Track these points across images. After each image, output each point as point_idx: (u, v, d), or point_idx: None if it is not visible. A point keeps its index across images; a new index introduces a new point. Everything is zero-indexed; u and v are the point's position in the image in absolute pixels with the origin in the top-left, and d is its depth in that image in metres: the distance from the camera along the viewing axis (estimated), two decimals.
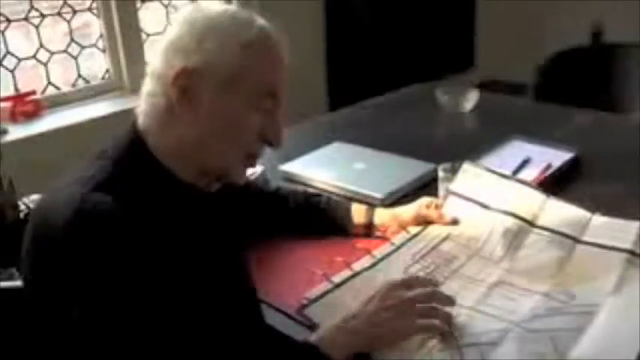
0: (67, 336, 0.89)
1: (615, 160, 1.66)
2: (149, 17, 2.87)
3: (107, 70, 2.81)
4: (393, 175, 1.59)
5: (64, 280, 0.87)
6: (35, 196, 1.49)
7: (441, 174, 1.44)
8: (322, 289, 1.14)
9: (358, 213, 1.37)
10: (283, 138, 1.02)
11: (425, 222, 1.35)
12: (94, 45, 2.78)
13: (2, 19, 2.50)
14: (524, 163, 1.61)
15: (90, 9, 2.74)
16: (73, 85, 2.77)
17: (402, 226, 1.34)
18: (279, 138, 1.02)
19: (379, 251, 1.27)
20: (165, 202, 0.96)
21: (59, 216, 0.87)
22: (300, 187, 1.56)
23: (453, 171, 1.40)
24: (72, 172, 0.95)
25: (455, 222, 1.33)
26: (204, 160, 0.99)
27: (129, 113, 1.02)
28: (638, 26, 3.27)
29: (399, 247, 1.28)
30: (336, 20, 3.43)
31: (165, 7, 2.95)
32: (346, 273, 1.19)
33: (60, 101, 2.68)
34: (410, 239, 1.30)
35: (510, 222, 1.26)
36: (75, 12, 2.71)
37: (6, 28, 2.53)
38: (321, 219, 1.37)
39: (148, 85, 0.99)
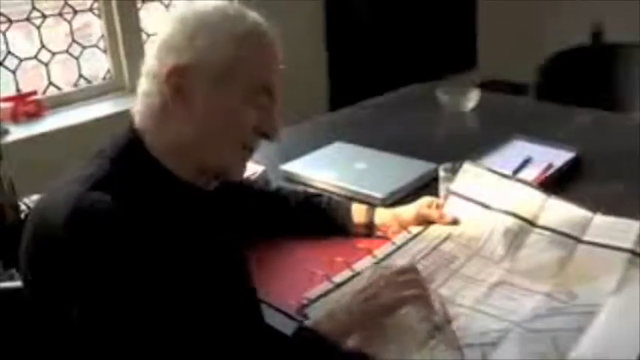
0: (67, 335, 0.89)
1: (616, 159, 1.66)
2: (150, 17, 2.87)
3: (108, 71, 2.81)
4: (393, 175, 1.59)
5: (63, 279, 0.87)
6: (36, 197, 1.50)
7: (441, 174, 1.44)
8: (323, 289, 1.14)
9: (359, 213, 1.37)
10: (280, 131, 1.02)
11: (426, 222, 1.35)
12: (95, 45, 2.78)
13: (4, 19, 2.51)
14: (525, 162, 1.61)
15: (91, 9, 2.74)
16: (75, 85, 2.77)
17: (403, 226, 1.34)
18: (276, 131, 1.02)
19: (380, 251, 1.27)
20: (164, 201, 0.96)
21: (58, 215, 0.87)
22: (301, 187, 1.56)
23: (454, 171, 1.40)
24: (71, 171, 0.95)
25: (455, 222, 1.33)
26: (201, 157, 0.98)
27: (130, 113, 1.02)
28: (638, 26, 3.27)
29: (399, 247, 1.28)
30: (336, 20, 3.42)
31: (166, 7, 2.96)
32: (347, 273, 1.19)
33: (61, 101, 2.68)
34: (411, 239, 1.30)
35: (511, 222, 1.26)
36: (76, 12, 2.71)
37: (7, 28, 2.53)
38: (321, 219, 1.37)
39: (143, 85, 0.99)
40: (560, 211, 1.27)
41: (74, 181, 0.91)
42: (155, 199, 0.94)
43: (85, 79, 2.78)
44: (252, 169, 1.56)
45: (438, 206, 1.36)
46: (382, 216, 1.36)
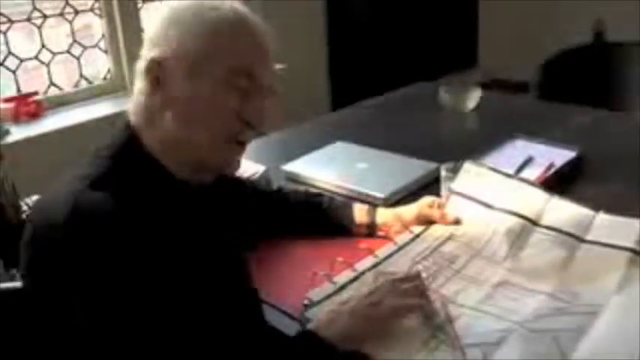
0: (68, 335, 0.89)
1: (618, 159, 1.66)
2: (151, 17, 2.87)
3: (109, 71, 2.81)
4: (395, 175, 1.59)
5: (63, 279, 0.87)
6: (37, 197, 1.49)
7: (443, 173, 1.44)
8: (324, 290, 1.14)
9: (360, 213, 1.36)
10: (264, 120, 1.00)
11: (427, 222, 1.35)
12: (96, 45, 2.78)
13: (4, 19, 2.51)
14: (527, 162, 1.61)
15: (92, 10, 2.75)
16: (76, 85, 2.77)
17: (405, 226, 1.34)
18: (259, 119, 0.99)
19: (381, 252, 1.26)
20: (161, 199, 0.96)
21: (57, 215, 0.87)
22: (302, 187, 1.56)
23: (455, 170, 1.40)
24: (69, 170, 0.96)
25: (457, 222, 1.32)
26: (188, 150, 0.97)
27: (127, 112, 1.02)
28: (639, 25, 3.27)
29: (401, 248, 1.27)
30: (337, 20, 3.43)
31: None
32: (348, 273, 1.19)
33: (62, 102, 2.69)
34: (413, 239, 1.30)
35: (513, 221, 1.26)
36: (77, 13, 2.71)
37: (8, 28, 2.53)
38: (322, 219, 1.37)
39: (136, 84, 1.00)
40: (562, 211, 1.26)
41: (72, 180, 0.92)
42: (152, 197, 0.94)
43: (86, 79, 2.78)
44: (254, 168, 1.56)
45: (439, 206, 1.36)
46: (384, 216, 1.36)
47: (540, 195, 1.30)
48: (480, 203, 1.33)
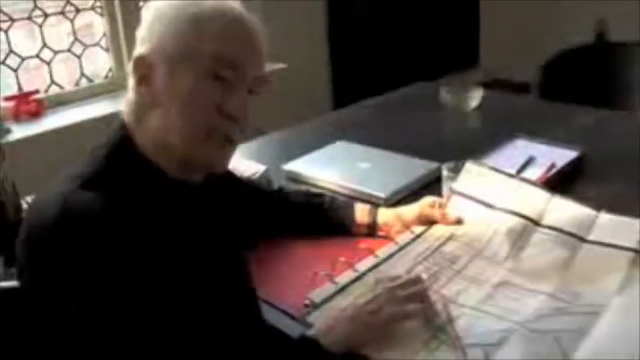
0: (64, 335, 0.89)
1: (619, 159, 1.66)
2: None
3: (110, 69, 2.81)
4: (396, 175, 1.59)
5: (55, 279, 0.86)
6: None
7: (444, 173, 1.43)
8: (326, 291, 1.14)
9: (361, 212, 1.36)
10: (245, 113, 0.98)
11: (428, 222, 1.34)
12: (98, 44, 2.78)
13: (5, 18, 2.51)
14: (528, 162, 1.61)
15: (93, 8, 2.75)
16: (77, 84, 2.77)
17: (406, 226, 1.34)
18: (240, 111, 0.97)
19: (382, 251, 1.26)
20: (154, 199, 0.95)
21: (48, 215, 0.87)
22: (303, 187, 1.56)
23: (457, 170, 1.40)
24: (65, 170, 0.95)
25: (459, 222, 1.32)
26: (173, 146, 0.96)
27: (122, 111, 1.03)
28: None
29: (402, 248, 1.27)
30: (338, 20, 3.42)
31: None
32: (349, 274, 1.19)
33: (63, 100, 2.69)
34: (414, 239, 1.30)
35: (514, 221, 1.26)
36: (78, 11, 2.71)
37: (9, 27, 2.53)
38: (323, 219, 1.36)
39: (129, 82, 1.01)
40: (564, 210, 1.26)
41: (65, 180, 0.91)
42: (144, 196, 0.94)
43: (87, 77, 2.78)
44: (255, 168, 1.56)
45: (440, 206, 1.35)
46: (385, 216, 1.36)
47: (542, 194, 1.30)
48: (481, 203, 1.33)
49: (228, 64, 0.96)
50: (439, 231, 1.31)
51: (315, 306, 1.10)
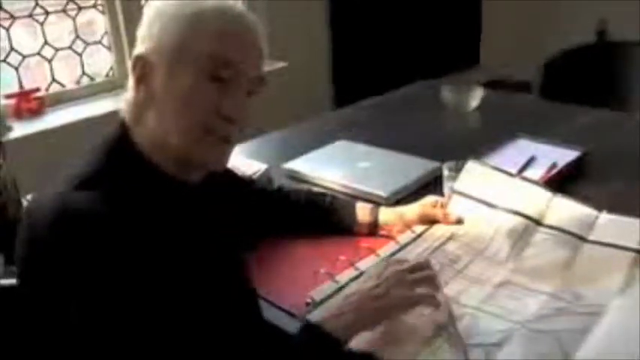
0: (60, 335, 0.89)
1: (621, 159, 1.66)
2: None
3: (112, 67, 2.81)
4: (397, 174, 1.59)
5: (51, 281, 0.86)
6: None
7: (445, 172, 1.43)
8: (326, 290, 1.14)
9: (362, 212, 1.36)
10: (244, 112, 0.97)
11: (429, 221, 1.34)
12: (99, 42, 2.78)
13: (7, 15, 2.51)
14: (529, 161, 1.61)
15: (95, 6, 2.74)
16: (78, 82, 2.77)
17: (407, 225, 1.34)
18: (238, 113, 0.96)
19: (383, 251, 1.26)
20: (152, 198, 0.95)
21: (44, 216, 0.87)
22: (304, 186, 1.56)
23: (458, 170, 1.40)
24: (64, 169, 0.95)
25: (459, 221, 1.32)
26: (170, 145, 0.96)
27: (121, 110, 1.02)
28: None
29: (403, 247, 1.27)
30: (340, 19, 3.42)
31: None
32: (350, 272, 1.19)
33: (64, 98, 2.69)
34: (415, 239, 1.30)
35: (516, 221, 1.26)
36: (80, 9, 2.71)
37: (11, 24, 2.53)
38: (324, 218, 1.36)
39: (128, 81, 1.00)
40: (565, 210, 1.26)
41: (62, 179, 0.91)
42: (142, 195, 0.93)
43: (89, 75, 2.78)
44: (256, 167, 1.56)
45: (442, 205, 1.35)
46: (386, 215, 1.36)
47: (543, 194, 1.30)
48: (482, 203, 1.33)
49: (226, 64, 0.95)
50: (440, 230, 1.32)
51: (316, 304, 1.10)
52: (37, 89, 2.60)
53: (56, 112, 2.60)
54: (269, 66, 1.03)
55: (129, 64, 0.98)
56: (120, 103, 1.01)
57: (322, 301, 1.11)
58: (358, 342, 0.97)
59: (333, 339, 0.93)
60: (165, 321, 0.87)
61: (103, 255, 0.84)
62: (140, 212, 0.91)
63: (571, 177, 1.55)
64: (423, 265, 1.05)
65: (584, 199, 1.29)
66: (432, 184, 1.53)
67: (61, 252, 0.84)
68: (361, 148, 1.79)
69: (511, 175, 1.38)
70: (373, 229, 1.35)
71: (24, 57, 2.59)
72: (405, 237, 1.31)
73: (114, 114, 1.02)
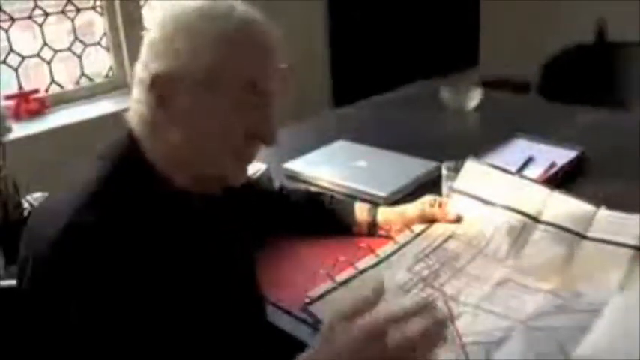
0: (62, 344, 0.89)
1: (620, 158, 1.66)
2: (153, 15, 2.87)
3: (111, 68, 2.81)
4: (396, 174, 1.59)
5: (58, 295, 0.85)
6: (38, 195, 1.50)
7: (444, 172, 1.44)
8: (326, 287, 1.14)
9: (361, 211, 1.36)
10: (276, 134, 0.96)
11: (429, 220, 1.35)
12: (98, 43, 2.78)
13: (6, 17, 2.51)
14: (528, 161, 1.61)
15: (94, 7, 2.74)
16: (77, 83, 2.77)
17: (406, 225, 1.34)
18: (271, 135, 0.95)
19: (383, 250, 1.26)
20: (161, 211, 0.93)
21: (47, 231, 0.85)
22: (303, 186, 1.56)
23: (457, 170, 1.40)
24: (68, 173, 0.94)
25: (459, 220, 1.32)
26: (194, 166, 0.95)
27: (126, 117, 0.99)
28: None
29: (403, 246, 1.28)
30: (339, 18, 3.42)
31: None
32: (350, 272, 1.19)
33: (64, 99, 2.69)
34: (414, 238, 1.30)
35: (514, 219, 1.26)
36: (79, 10, 2.71)
37: (10, 26, 2.53)
38: (324, 218, 1.37)
39: (134, 90, 0.95)
40: (563, 206, 1.26)
41: (69, 191, 0.90)
42: (152, 209, 0.92)
43: (88, 77, 2.78)
44: (255, 167, 1.56)
45: (441, 205, 1.36)
46: (385, 215, 1.36)
47: (541, 191, 1.30)
48: (481, 201, 1.33)
49: (256, 90, 0.92)
50: (439, 229, 1.32)
51: (316, 299, 1.10)
52: (37, 90, 2.61)
53: (55, 113, 2.61)
54: None
55: (135, 69, 0.94)
56: (119, 104, 1.00)
57: (323, 295, 1.11)
58: None
59: None
60: (172, 333, 0.86)
61: (109, 271, 0.83)
62: (149, 226, 0.90)
63: (570, 177, 1.55)
64: (425, 308, 0.79)
65: (583, 198, 1.29)
66: (430, 184, 1.53)
67: (67, 266, 0.83)
68: (360, 148, 1.80)
69: (510, 172, 1.39)
70: (372, 228, 1.35)
71: (23, 58, 2.60)
72: (404, 236, 1.31)
73: (114, 115, 1.01)
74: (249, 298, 1.08)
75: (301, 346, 1.03)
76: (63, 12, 2.68)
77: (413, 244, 1.28)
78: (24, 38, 2.62)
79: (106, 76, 2.82)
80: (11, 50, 2.55)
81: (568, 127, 1.92)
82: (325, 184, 1.59)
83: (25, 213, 1.44)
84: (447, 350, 0.96)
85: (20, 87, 2.59)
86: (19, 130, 2.42)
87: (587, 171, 1.61)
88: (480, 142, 1.74)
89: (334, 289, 1.14)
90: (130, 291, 0.84)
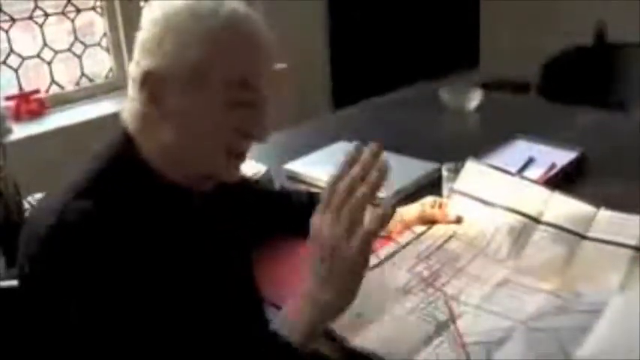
0: (61, 345, 0.89)
1: (620, 159, 1.66)
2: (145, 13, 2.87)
3: (111, 69, 2.81)
4: (396, 175, 1.58)
5: (51, 292, 0.85)
6: (39, 195, 1.50)
7: (444, 174, 1.44)
8: None
9: None
10: (268, 130, 0.97)
11: (429, 221, 1.35)
12: (98, 44, 2.78)
13: (6, 18, 2.51)
14: (528, 162, 1.61)
15: (94, 8, 2.75)
16: (77, 84, 2.77)
17: (407, 226, 1.34)
18: (262, 131, 0.96)
19: (384, 251, 1.26)
20: (154, 206, 0.93)
21: (44, 223, 0.86)
22: (304, 187, 1.56)
23: (457, 171, 1.40)
24: (67, 174, 0.94)
25: (459, 221, 1.32)
26: (186, 162, 0.95)
27: (122, 115, 1.00)
28: None
29: (403, 247, 1.28)
30: (339, 19, 3.43)
31: None
32: None
33: (64, 100, 2.69)
34: (415, 239, 1.30)
35: (515, 220, 1.26)
36: (79, 11, 2.71)
37: (10, 27, 2.54)
38: None
39: (129, 88, 0.97)
40: (564, 207, 1.26)
41: (64, 189, 0.90)
42: (145, 204, 0.92)
43: (88, 77, 2.79)
44: (256, 168, 1.56)
45: (441, 205, 1.36)
46: None
47: (542, 191, 1.31)
48: (481, 202, 1.33)
49: (248, 87, 0.93)
50: (440, 230, 1.32)
51: None
52: (37, 91, 2.61)
53: (56, 114, 2.61)
54: None
55: (129, 68, 0.95)
56: (119, 104, 1.00)
57: None
58: (358, 341, 0.97)
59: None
60: (166, 329, 0.86)
61: (100, 268, 0.83)
62: (141, 220, 0.90)
63: (570, 177, 1.55)
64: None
65: (583, 199, 1.29)
66: (431, 185, 1.53)
67: (55, 265, 0.84)
68: None
69: (510, 173, 1.39)
70: None
71: (23, 59, 2.60)
72: (404, 237, 1.31)
73: (113, 116, 1.01)
74: (245, 298, 1.08)
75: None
76: (63, 13, 2.68)
77: (414, 245, 1.28)
78: (24, 39, 2.62)
79: (106, 77, 2.82)
80: (11, 51, 2.55)
81: (568, 128, 1.92)
82: (325, 185, 1.59)
83: (26, 214, 1.44)
84: (449, 350, 0.97)
85: (20, 88, 2.60)
86: (20, 131, 2.42)
87: (587, 171, 1.62)
88: (480, 143, 1.74)
89: None
90: (117, 289, 0.84)
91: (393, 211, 0.94)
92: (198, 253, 0.98)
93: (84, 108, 2.67)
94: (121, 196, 0.90)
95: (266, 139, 0.98)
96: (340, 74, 3.47)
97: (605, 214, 1.24)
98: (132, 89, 0.95)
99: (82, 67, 2.76)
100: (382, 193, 1.48)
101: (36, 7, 2.59)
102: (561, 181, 1.50)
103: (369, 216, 0.90)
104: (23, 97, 2.56)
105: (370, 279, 1.15)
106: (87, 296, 0.84)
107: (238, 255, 1.11)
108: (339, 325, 1.00)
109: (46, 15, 2.63)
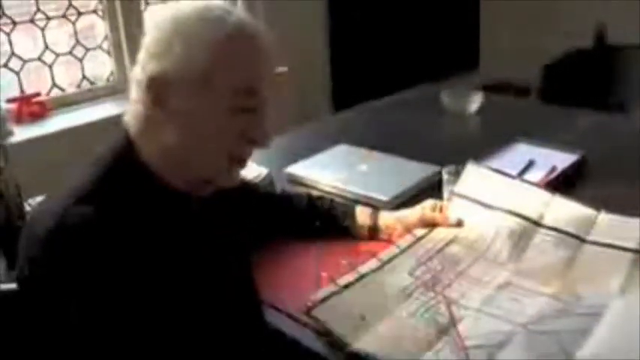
0: (60, 346, 0.89)
1: (620, 162, 1.66)
2: (151, 17, 2.87)
3: (112, 72, 2.81)
4: (397, 178, 1.59)
5: (50, 295, 0.86)
6: (40, 198, 1.50)
7: (445, 177, 1.44)
8: (328, 291, 1.14)
9: (363, 216, 1.36)
10: (269, 134, 0.98)
11: (430, 225, 1.35)
12: (99, 47, 2.79)
13: (8, 21, 2.51)
14: (529, 165, 1.61)
15: (95, 11, 2.75)
16: (78, 86, 2.78)
17: (407, 229, 1.34)
18: (264, 138, 0.98)
19: (385, 254, 1.26)
20: (154, 210, 0.94)
21: (40, 230, 0.87)
22: (305, 190, 1.56)
23: (457, 174, 1.40)
24: (68, 177, 0.95)
25: (460, 224, 1.32)
26: (188, 166, 0.96)
27: (124, 118, 1.01)
28: None
29: (404, 250, 1.28)
30: (339, 22, 3.43)
31: None
32: (352, 276, 1.19)
33: (65, 103, 2.69)
34: (415, 242, 1.30)
35: (515, 223, 1.26)
36: (80, 14, 2.71)
37: (11, 30, 2.54)
38: (325, 222, 1.36)
39: (132, 91, 0.97)
40: (565, 210, 1.27)
41: (65, 192, 0.91)
42: (145, 208, 0.93)
43: (89, 80, 2.79)
44: (257, 171, 1.57)
45: (441, 209, 1.36)
46: (386, 219, 1.36)
47: (542, 195, 1.31)
48: (482, 205, 1.33)
49: (251, 92, 0.94)
50: (441, 234, 1.32)
51: (318, 302, 1.11)
52: (38, 94, 2.61)
53: (57, 117, 2.61)
54: None
55: (133, 71, 0.96)
56: (121, 107, 1.01)
57: (326, 299, 1.11)
58: (359, 345, 0.97)
59: None
60: (165, 332, 0.87)
61: (99, 271, 0.84)
62: (141, 225, 0.91)
63: (571, 180, 1.55)
64: None
65: (584, 202, 1.29)
66: (431, 188, 1.53)
67: (54, 268, 0.84)
68: (361, 152, 1.80)
69: (510, 176, 1.39)
70: (373, 233, 1.35)
71: (25, 62, 2.60)
72: (405, 241, 1.31)
73: (115, 118, 1.01)
74: (244, 301, 1.09)
75: (300, 348, 1.04)
76: (64, 16, 2.68)
77: (414, 249, 1.28)
78: (25, 42, 2.62)
79: (108, 79, 2.82)
80: (13, 54, 2.55)
81: (568, 131, 1.92)
82: (326, 188, 1.60)
83: (28, 217, 1.44)
84: (450, 354, 0.97)
85: (22, 90, 2.60)
86: (21, 134, 2.42)
87: (588, 174, 1.62)
88: (481, 145, 1.74)
89: (336, 293, 1.14)
90: (116, 292, 0.85)
91: None
92: (196, 257, 0.99)
93: (85, 111, 2.67)
94: (120, 201, 0.91)
95: (268, 145, 0.99)
96: (340, 75, 3.47)
97: (605, 218, 1.24)
98: (135, 92, 0.96)
99: (83, 70, 2.77)
100: (382, 197, 1.49)
101: (37, 10, 2.60)
102: (562, 184, 1.50)
103: None
104: (24, 99, 2.56)
105: (371, 282, 1.16)
106: (86, 299, 0.84)
107: (236, 259, 1.11)
108: (341, 329, 1.00)
109: (48, 18, 2.63)
